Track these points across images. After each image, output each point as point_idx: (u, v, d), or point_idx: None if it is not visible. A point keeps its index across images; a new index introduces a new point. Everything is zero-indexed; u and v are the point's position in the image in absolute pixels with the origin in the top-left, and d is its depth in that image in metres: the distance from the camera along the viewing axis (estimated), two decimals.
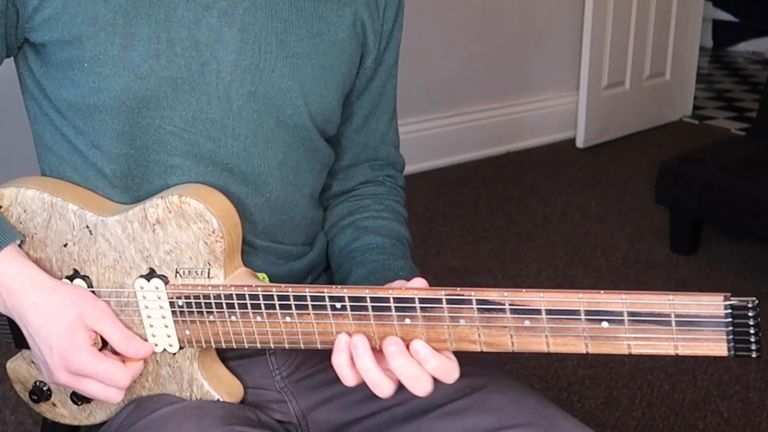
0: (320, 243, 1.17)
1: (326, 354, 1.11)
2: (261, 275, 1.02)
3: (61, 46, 0.98)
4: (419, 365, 0.90)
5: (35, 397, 1.06)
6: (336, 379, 1.09)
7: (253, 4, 1.01)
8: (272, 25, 1.02)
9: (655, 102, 4.26)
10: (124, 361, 0.97)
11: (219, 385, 1.02)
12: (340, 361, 0.91)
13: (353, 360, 0.91)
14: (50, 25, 0.97)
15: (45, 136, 1.05)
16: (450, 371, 0.91)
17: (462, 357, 0.93)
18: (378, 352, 0.91)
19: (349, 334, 0.91)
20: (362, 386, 1.08)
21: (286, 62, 1.03)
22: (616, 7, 3.91)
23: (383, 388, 0.91)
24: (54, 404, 1.06)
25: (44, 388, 1.06)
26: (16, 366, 1.07)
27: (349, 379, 0.92)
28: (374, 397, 1.07)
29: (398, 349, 0.89)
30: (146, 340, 0.99)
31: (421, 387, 0.90)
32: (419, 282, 0.93)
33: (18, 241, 0.98)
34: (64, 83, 1.00)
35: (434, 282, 1.02)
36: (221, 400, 1.02)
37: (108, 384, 0.95)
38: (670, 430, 2.10)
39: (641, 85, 4.17)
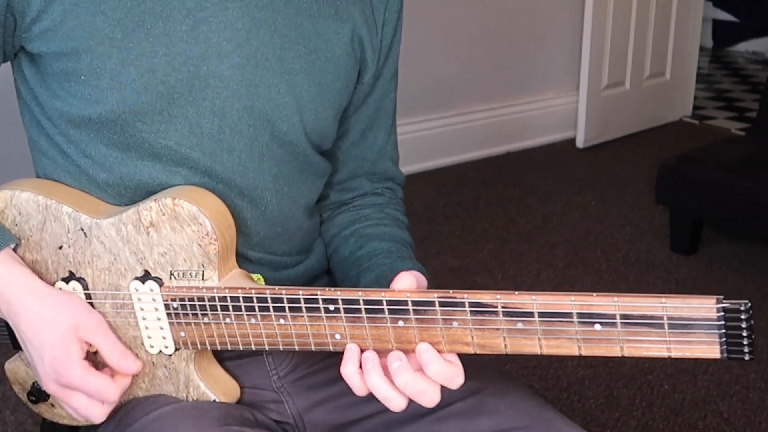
0: (318, 250, 1.17)
1: (323, 355, 1.11)
2: (256, 276, 1.02)
3: (57, 58, 0.98)
4: (423, 375, 0.90)
5: (33, 398, 1.07)
6: (333, 380, 1.10)
7: (252, 20, 1.00)
8: (271, 41, 1.01)
9: (655, 102, 4.25)
10: (113, 375, 0.97)
11: (215, 386, 1.02)
12: (348, 371, 0.91)
13: (363, 373, 0.91)
14: (48, 36, 0.97)
15: (39, 141, 1.05)
16: (453, 377, 0.90)
17: (461, 359, 0.92)
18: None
19: (360, 347, 0.91)
20: None
21: (282, 78, 1.03)
22: (616, 7, 3.91)
23: (395, 403, 0.91)
24: (52, 405, 1.07)
25: (42, 389, 1.05)
26: (15, 367, 1.07)
27: (358, 389, 0.92)
28: (371, 399, 1.07)
29: (401, 365, 0.89)
30: (142, 341, 0.99)
31: (428, 399, 0.90)
32: (406, 279, 0.92)
33: (13, 245, 0.98)
34: (59, 93, 1.00)
35: (434, 282, 1.01)
36: (217, 400, 1.02)
37: (97, 398, 0.95)
38: (670, 430, 2.10)
39: (641, 85, 4.17)
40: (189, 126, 1.00)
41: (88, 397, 0.96)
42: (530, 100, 3.98)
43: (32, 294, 0.95)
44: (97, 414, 0.97)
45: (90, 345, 0.97)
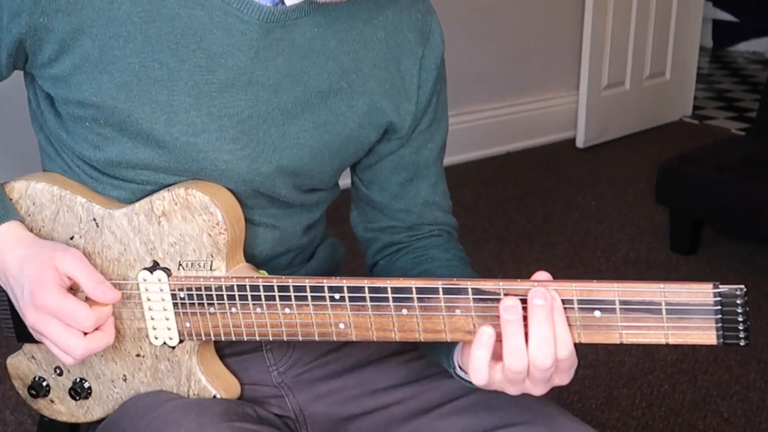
0: (320, 254, 1.17)
1: (324, 350, 1.12)
2: (262, 272, 1.03)
3: (65, 102, 0.99)
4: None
5: (34, 393, 1.07)
6: (333, 375, 1.11)
7: (256, 99, 0.99)
8: (275, 118, 1.01)
9: (655, 102, 4.26)
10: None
11: (216, 381, 1.03)
12: (481, 355, 0.88)
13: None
14: (57, 83, 0.98)
15: (47, 148, 1.07)
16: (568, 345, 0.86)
17: None
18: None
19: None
20: (359, 382, 1.10)
21: (284, 153, 1.02)
22: (616, 7, 3.91)
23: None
24: (52, 401, 1.07)
25: (43, 384, 1.07)
26: (17, 362, 1.08)
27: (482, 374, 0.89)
28: (371, 394, 1.08)
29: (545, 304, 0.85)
30: (147, 333, 1.00)
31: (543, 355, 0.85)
32: (543, 275, 0.89)
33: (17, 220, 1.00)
34: (66, 126, 1.01)
35: None
36: (218, 396, 1.03)
37: (72, 322, 0.93)
38: (670, 430, 2.10)
39: (641, 85, 4.17)
40: (185, 186, 1.00)
41: (64, 325, 0.93)
42: (530, 100, 3.98)
43: (20, 243, 0.97)
44: (75, 346, 0.93)
45: (70, 279, 0.96)
